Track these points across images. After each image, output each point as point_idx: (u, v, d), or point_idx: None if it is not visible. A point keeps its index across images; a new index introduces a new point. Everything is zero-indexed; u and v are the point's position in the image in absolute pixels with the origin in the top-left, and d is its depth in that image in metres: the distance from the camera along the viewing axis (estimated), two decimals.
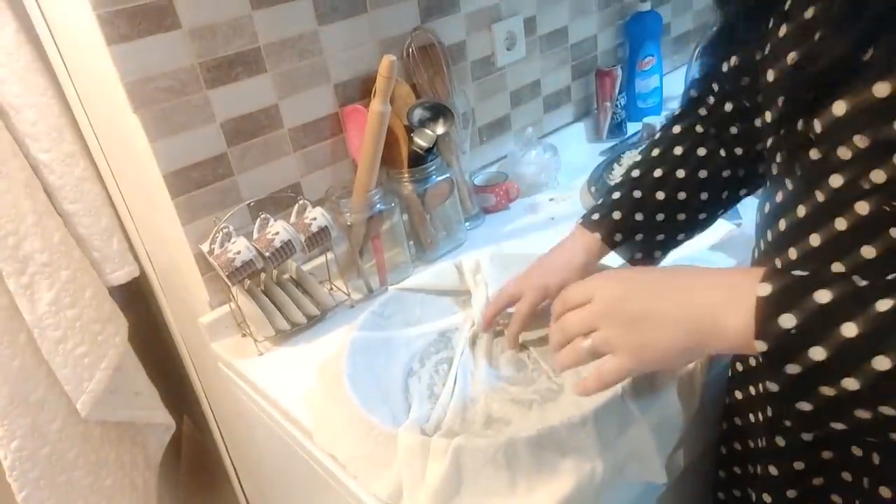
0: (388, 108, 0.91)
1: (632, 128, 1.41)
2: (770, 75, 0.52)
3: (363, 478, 0.66)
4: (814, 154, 0.48)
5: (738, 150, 0.69)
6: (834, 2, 0.44)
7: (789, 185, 0.52)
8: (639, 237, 0.74)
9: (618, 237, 0.74)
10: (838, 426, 0.42)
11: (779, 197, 0.54)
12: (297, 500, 0.97)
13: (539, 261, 0.78)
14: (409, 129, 0.99)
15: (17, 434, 0.91)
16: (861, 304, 0.39)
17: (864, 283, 0.41)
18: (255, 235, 0.89)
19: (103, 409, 1.00)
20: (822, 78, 0.44)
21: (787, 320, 0.41)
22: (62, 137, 0.93)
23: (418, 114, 1.00)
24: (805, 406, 0.42)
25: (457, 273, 0.88)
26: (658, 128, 0.81)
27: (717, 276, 0.48)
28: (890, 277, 0.42)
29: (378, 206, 0.95)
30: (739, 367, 0.67)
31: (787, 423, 0.58)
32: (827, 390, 0.40)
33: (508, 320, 0.79)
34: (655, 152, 0.73)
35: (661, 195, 0.71)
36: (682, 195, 0.71)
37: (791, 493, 0.60)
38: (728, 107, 0.67)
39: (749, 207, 0.79)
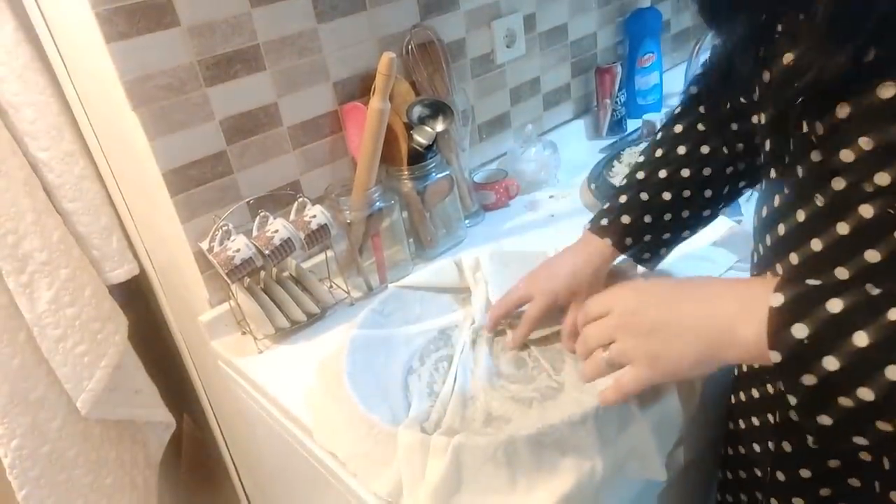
0: (388, 106, 0.90)
1: (632, 125, 1.40)
2: (766, 76, 0.52)
3: (363, 476, 0.66)
4: (815, 156, 0.47)
5: (739, 146, 0.69)
6: (823, 21, 0.43)
7: (788, 188, 0.52)
8: (647, 238, 0.74)
9: (628, 241, 0.74)
10: (861, 441, 0.41)
11: (776, 201, 0.54)
12: (298, 498, 0.97)
13: (547, 263, 0.78)
14: (409, 127, 0.99)
15: (17, 432, 0.91)
16: (873, 313, 0.39)
17: (877, 291, 0.40)
18: (255, 233, 0.89)
19: (103, 407, 1.00)
20: (820, 84, 0.44)
21: (800, 330, 0.41)
22: (61, 136, 0.93)
23: (418, 111, 1.00)
24: (826, 420, 0.41)
25: (457, 270, 0.88)
26: (658, 126, 0.81)
27: (731, 287, 0.48)
28: None
29: (378, 203, 0.94)
30: (744, 368, 0.67)
31: (811, 442, 0.57)
32: (845, 401, 0.40)
33: (510, 320, 0.79)
34: (659, 153, 0.73)
35: (667, 195, 0.71)
36: (686, 193, 0.71)
37: (797, 502, 0.60)
38: (728, 104, 0.67)
39: (750, 204, 0.79)
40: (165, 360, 1.20)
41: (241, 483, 1.29)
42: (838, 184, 0.46)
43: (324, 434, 0.72)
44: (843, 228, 0.47)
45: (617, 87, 1.34)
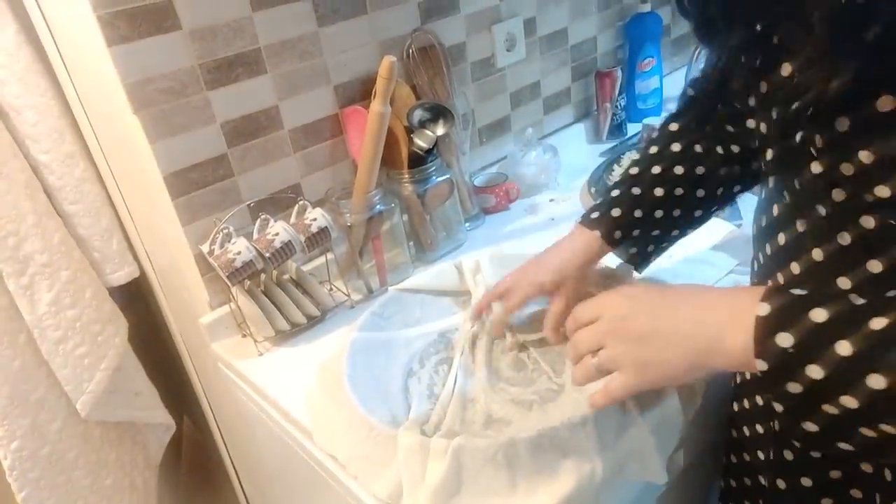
0: (388, 109, 0.91)
1: (632, 129, 1.41)
2: (763, 87, 0.52)
3: (363, 478, 0.66)
4: (815, 168, 0.47)
5: (735, 148, 0.69)
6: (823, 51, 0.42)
7: (788, 198, 0.52)
8: (636, 233, 0.73)
9: (617, 234, 0.73)
10: (846, 447, 0.42)
11: (776, 210, 0.54)
12: (298, 500, 0.97)
13: (536, 258, 0.77)
14: (409, 130, 0.99)
15: (17, 434, 0.91)
16: (856, 322, 0.39)
17: (861, 301, 0.40)
18: (255, 236, 0.89)
19: (103, 409, 1.00)
20: (821, 103, 0.43)
21: (785, 339, 0.41)
22: (62, 138, 0.93)
23: (418, 115, 1.00)
24: (811, 427, 0.42)
25: (457, 274, 0.88)
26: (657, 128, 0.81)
27: (720, 296, 0.48)
28: (890, 294, 0.42)
29: (378, 206, 0.95)
30: (746, 376, 0.66)
31: (797, 444, 0.58)
32: (829, 409, 0.40)
33: (511, 324, 0.79)
34: (653, 150, 0.73)
35: (659, 191, 0.71)
36: (679, 191, 0.71)
37: None
38: (724, 107, 0.67)
39: (750, 208, 0.79)
40: (165, 362, 1.20)
41: (241, 485, 1.29)
42: (839, 195, 0.46)
43: (324, 436, 0.72)
44: (844, 239, 0.47)
45: (617, 91, 1.35)
